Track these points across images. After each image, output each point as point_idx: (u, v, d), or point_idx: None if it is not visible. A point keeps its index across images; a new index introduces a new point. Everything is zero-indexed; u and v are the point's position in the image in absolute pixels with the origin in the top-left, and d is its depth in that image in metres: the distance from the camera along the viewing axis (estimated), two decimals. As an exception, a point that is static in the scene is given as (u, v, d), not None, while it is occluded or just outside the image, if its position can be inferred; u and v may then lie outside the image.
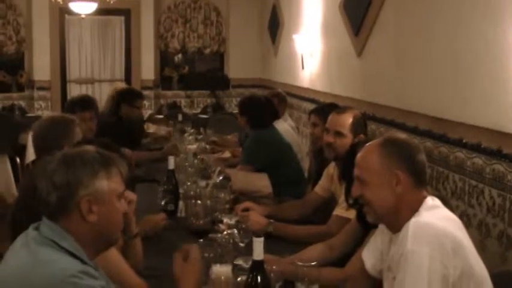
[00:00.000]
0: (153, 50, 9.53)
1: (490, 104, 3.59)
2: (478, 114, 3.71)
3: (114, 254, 2.21)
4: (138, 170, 4.75)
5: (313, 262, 2.39)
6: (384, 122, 5.00)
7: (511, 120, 3.40)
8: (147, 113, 9.01)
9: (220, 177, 3.96)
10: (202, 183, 3.88)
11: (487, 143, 3.61)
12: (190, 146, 5.51)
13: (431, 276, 1.94)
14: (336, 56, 6.34)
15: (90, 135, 4.23)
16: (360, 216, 2.49)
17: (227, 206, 3.44)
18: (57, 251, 1.77)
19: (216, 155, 5.48)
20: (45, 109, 9.15)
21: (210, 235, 2.95)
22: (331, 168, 3.56)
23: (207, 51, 9.82)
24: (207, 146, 5.74)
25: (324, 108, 4.05)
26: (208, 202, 3.40)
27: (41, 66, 9.10)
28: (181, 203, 3.61)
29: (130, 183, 2.18)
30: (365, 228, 2.61)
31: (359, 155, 2.23)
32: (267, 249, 2.16)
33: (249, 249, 2.20)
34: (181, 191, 3.68)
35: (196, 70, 10.06)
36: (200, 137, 6.18)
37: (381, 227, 2.30)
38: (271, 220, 3.29)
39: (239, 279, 2.33)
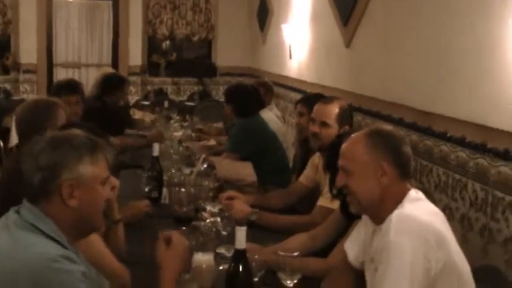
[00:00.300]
0: (141, 35, 9.44)
1: (476, 98, 3.60)
2: (464, 108, 3.72)
3: (95, 239, 2.19)
4: (123, 156, 4.74)
5: (295, 252, 2.38)
6: (370, 114, 4.99)
7: (496, 115, 3.41)
8: (133, 99, 8.96)
9: (205, 165, 3.96)
10: (187, 170, 3.87)
11: (472, 137, 3.61)
12: (175, 133, 5.51)
13: (413, 268, 1.94)
14: (324, 46, 6.32)
15: (76, 119, 4.20)
16: (344, 207, 2.49)
17: (211, 194, 3.43)
18: (38, 235, 1.76)
19: (202, 142, 5.47)
20: (30, 92, 9.03)
21: (193, 223, 2.95)
22: (316, 158, 3.56)
23: (195, 38, 9.75)
24: (193, 134, 5.74)
25: (311, 98, 4.05)
26: (192, 190, 3.39)
27: (27, 49, 8.98)
28: (165, 190, 3.60)
29: (115, 168, 2.16)
30: (348, 219, 2.61)
31: (344, 145, 2.22)
32: (250, 238, 2.15)
33: (231, 238, 2.19)
34: (165, 178, 3.67)
35: (184, 57, 10.01)
36: (186, 124, 6.17)
37: (364, 219, 2.30)
38: (256, 209, 3.29)
39: (221, 267, 2.33)
